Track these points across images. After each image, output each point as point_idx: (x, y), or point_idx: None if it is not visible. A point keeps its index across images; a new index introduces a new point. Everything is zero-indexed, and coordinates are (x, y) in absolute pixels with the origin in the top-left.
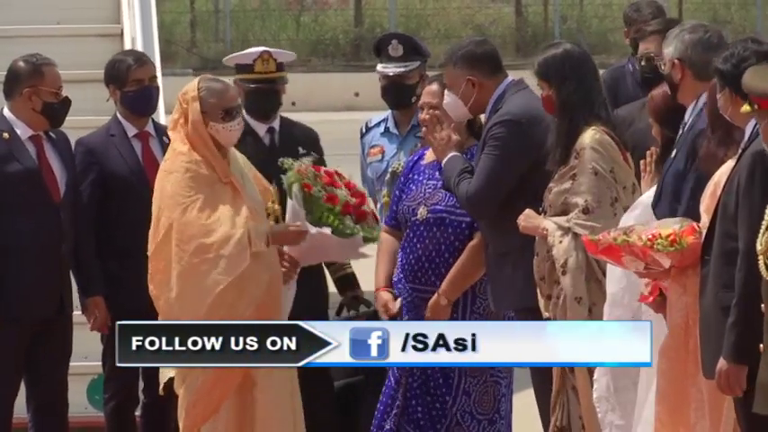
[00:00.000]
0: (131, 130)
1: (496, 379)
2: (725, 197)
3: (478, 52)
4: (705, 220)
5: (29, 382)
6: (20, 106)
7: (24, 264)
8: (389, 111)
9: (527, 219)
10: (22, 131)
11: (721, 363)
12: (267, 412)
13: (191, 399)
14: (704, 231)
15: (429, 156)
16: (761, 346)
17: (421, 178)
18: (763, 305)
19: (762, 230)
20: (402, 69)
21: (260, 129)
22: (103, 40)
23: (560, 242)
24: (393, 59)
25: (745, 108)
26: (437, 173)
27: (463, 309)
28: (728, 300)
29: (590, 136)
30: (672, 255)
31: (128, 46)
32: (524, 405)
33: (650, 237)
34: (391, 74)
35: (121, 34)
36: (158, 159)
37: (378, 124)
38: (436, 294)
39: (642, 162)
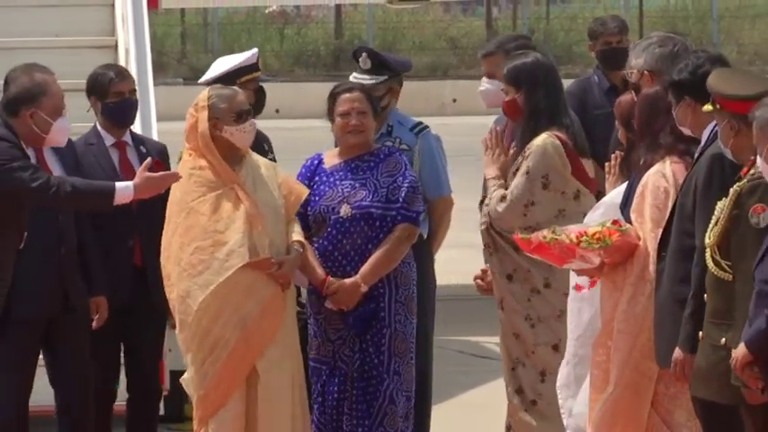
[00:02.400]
0: (109, 140)
1: (412, 358)
2: (682, 197)
3: (531, 45)
4: (634, 219)
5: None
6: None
7: (25, 265)
8: None
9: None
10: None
11: (677, 352)
12: (267, 406)
13: (200, 393)
14: (632, 230)
15: (330, 159)
16: (700, 333)
17: (332, 180)
18: (705, 295)
19: (711, 226)
20: (369, 82)
21: None
22: (99, 51)
23: (489, 197)
24: (363, 71)
25: (707, 107)
26: (350, 173)
27: (388, 298)
28: (684, 293)
29: (541, 139)
30: (598, 252)
31: (122, 57)
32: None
33: (577, 234)
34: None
35: (116, 46)
36: (135, 168)
37: None
38: (354, 278)
39: (607, 164)
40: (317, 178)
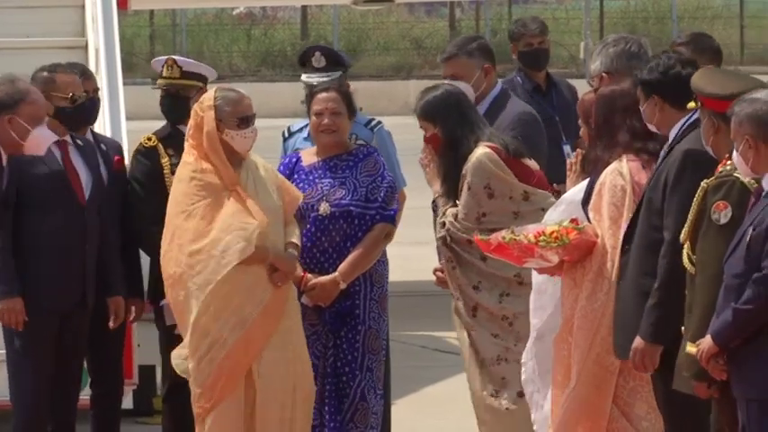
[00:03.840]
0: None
1: (384, 355)
2: (649, 192)
3: (489, 46)
4: (592, 217)
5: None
6: None
7: (51, 261)
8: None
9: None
10: None
11: (637, 341)
12: (265, 407)
13: (197, 391)
14: (589, 228)
15: (308, 158)
16: (682, 328)
17: (311, 178)
18: (687, 291)
19: (687, 221)
20: (325, 79)
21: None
22: (69, 52)
23: (441, 215)
24: (316, 70)
25: (691, 105)
26: (328, 172)
27: (364, 296)
28: (649, 286)
29: (475, 155)
30: (556, 250)
31: (92, 58)
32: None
33: (535, 234)
34: (314, 83)
35: (86, 47)
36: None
37: (300, 129)
38: (333, 275)
39: (568, 161)
40: (295, 176)
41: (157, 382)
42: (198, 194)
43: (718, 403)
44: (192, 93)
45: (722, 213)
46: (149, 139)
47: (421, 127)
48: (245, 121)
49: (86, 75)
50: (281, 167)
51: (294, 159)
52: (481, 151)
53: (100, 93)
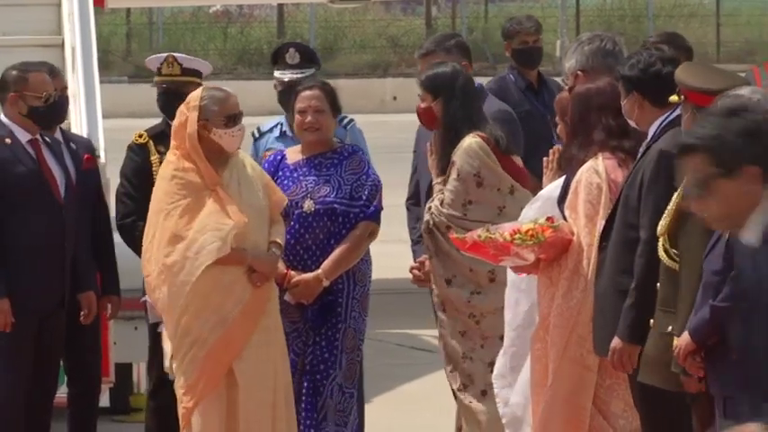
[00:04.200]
0: (25, 136)
1: (359, 355)
2: (626, 190)
3: (466, 44)
4: (568, 215)
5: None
6: (9, 111)
7: (32, 261)
8: (282, 116)
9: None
10: (21, 135)
11: (615, 341)
12: (247, 406)
13: (181, 391)
14: (565, 226)
15: (293, 156)
16: (651, 321)
17: (296, 176)
18: (658, 284)
19: (665, 215)
20: (299, 75)
21: None
22: (46, 50)
23: (428, 207)
24: (290, 66)
25: (673, 98)
26: (313, 169)
27: (347, 294)
28: (626, 284)
29: (466, 142)
30: (532, 248)
31: (68, 56)
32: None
33: (511, 232)
34: (287, 79)
35: (62, 45)
36: (68, 165)
37: (271, 129)
38: (316, 273)
39: (545, 159)
40: (280, 173)
41: (134, 380)
42: (178, 193)
43: (692, 399)
44: (190, 89)
45: None
46: (141, 136)
47: (419, 96)
48: (233, 119)
49: (54, 73)
50: (266, 165)
51: (279, 157)
52: (473, 139)
53: (71, 91)
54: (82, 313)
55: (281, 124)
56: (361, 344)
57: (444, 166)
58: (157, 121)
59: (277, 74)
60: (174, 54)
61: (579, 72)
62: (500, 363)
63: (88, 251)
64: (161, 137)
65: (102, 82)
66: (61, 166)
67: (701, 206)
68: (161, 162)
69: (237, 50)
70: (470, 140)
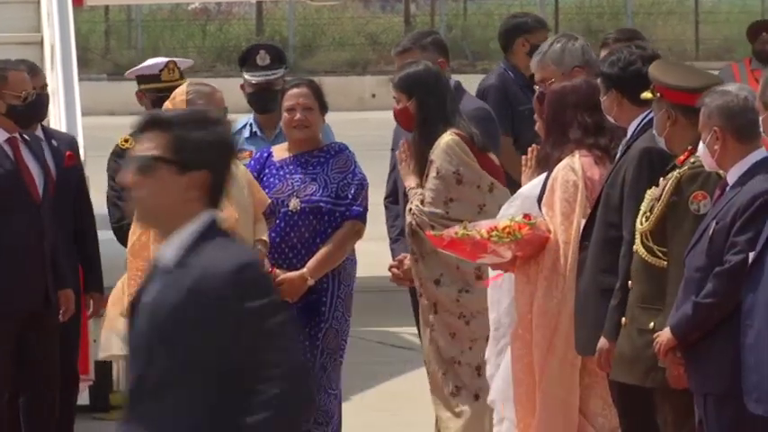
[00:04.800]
0: (3, 135)
1: (342, 356)
2: (608, 189)
3: (444, 41)
4: (545, 213)
5: (19, 375)
6: None
7: (10, 261)
8: (250, 116)
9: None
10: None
11: (602, 341)
12: None
13: None
14: (542, 223)
15: (279, 153)
16: (623, 319)
17: (282, 173)
18: (630, 281)
19: (642, 212)
20: (271, 77)
21: None
22: (25, 47)
23: (410, 203)
24: (260, 68)
25: (646, 95)
26: (300, 168)
27: (331, 294)
28: (607, 283)
29: (444, 140)
30: (509, 245)
31: (47, 53)
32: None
33: (488, 229)
34: (255, 81)
35: (41, 42)
36: (48, 162)
37: (240, 130)
38: (301, 271)
39: (524, 157)
40: (266, 171)
41: (114, 377)
42: None
43: (663, 396)
44: None
45: (701, 204)
46: (126, 140)
47: (394, 97)
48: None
49: (34, 71)
50: (252, 163)
51: (265, 155)
52: (450, 137)
53: (51, 88)
54: (61, 311)
55: (251, 125)
56: (344, 344)
57: (422, 167)
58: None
59: (247, 76)
60: (174, 60)
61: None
62: (491, 363)
63: (69, 248)
64: None
65: (81, 79)
66: (40, 165)
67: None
68: None
69: (216, 48)
70: (447, 138)
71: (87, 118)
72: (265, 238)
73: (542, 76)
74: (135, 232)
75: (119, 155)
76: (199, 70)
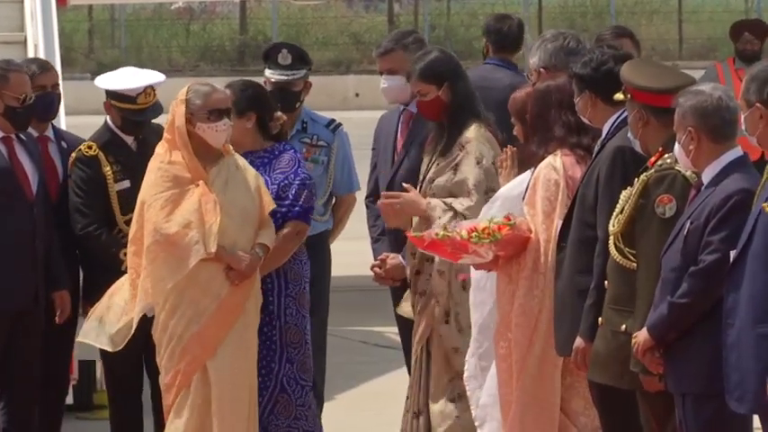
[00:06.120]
0: (32, 133)
1: (307, 348)
2: (583, 188)
3: (425, 40)
4: (527, 212)
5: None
6: None
7: (2, 259)
8: None
9: (408, 200)
10: None
11: (578, 341)
12: (221, 404)
13: (163, 387)
14: (522, 223)
15: None
16: (599, 319)
17: None
18: (606, 281)
19: (615, 214)
20: (290, 77)
21: (128, 138)
22: (8, 46)
23: (439, 217)
24: (281, 67)
25: (618, 96)
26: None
27: (278, 293)
28: (584, 283)
29: (475, 130)
30: (489, 246)
31: (31, 52)
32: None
33: (468, 230)
34: (275, 80)
35: (25, 41)
36: (57, 163)
37: None
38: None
39: (499, 158)
40: None
41: (97, 377)
42: (162, 185)
43: (642, 396)
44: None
45: (667, 207)
46: (90, 147)
47: (419, 92)
48: (216, 114)
49: (45, 68)
50: None
51: None
52: (481, 129)
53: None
54: (58, 313)
55: None
56: (307, 338)
57: (446, 151)
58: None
59: (268, 73)
60: (152, 84)
61: (542, 69)
62: (470, 364)
63: (71, 249)
64: (109, 146)
65: (64, 79)
66: (36, 165)
67: None
68: (114, 174)
69: (200, 47)
70: (480, 131)
71: (71, 117)
72: (266, 242)
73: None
74: (132, 230)
75: (83, 161)
76: (182, 69)
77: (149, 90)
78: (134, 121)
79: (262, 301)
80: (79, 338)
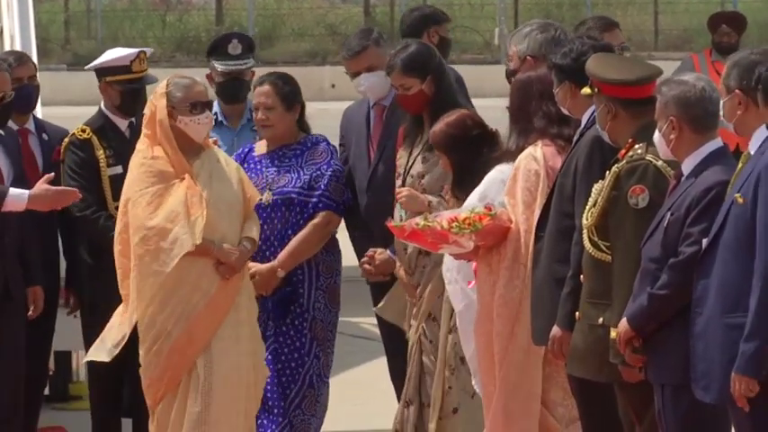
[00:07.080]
0: (12, 126)
1: (331, 346)
2: (561, 178)
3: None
4: (507, 202)
5: None
6: None
7: None
8: (215, 105)
9: (410, 197)
10: None
11: (555, 330)
12: (210, 400)
13: (146, 383)
14: (503, 213)
15: (259, 149)
16: (577, 313)
17: (259, 167)
18: (582, 275)
19: (588, 207)
20: (242, 66)
21: (121, 124)
22: None
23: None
24: (232, 57)
25: (585, 90)
26: (276, 161)
27: (308, 285)
28: (561, 272)
29: None
30: (469, 236)
31: (7, 43)
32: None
33: (449, 220)
34: (226, 70)
35: (1, 32)
36: (36, 156)
37: None
38: (271, 264)
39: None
40: (245, 165)
41: (74, 367)
42: (146, 181)
43: (621, 388)
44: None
45: (640, 197)
46: (83, 130)
47: (401, 86)
48: (197, 106)
49: (22, 60)
50: (234, 158)
51: (246, 150)
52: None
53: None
54: (31, 308)
55: (216, 114)
56: (332, 336)
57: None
58: (95, 109)
59: (216, 64)
60: (144, 49)
61: (529, 57)
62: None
63: (51, 244)
64: (103, 131)
65: (40, 70)
66: (12, 159)
67: None
68: (107, 159)
69: (176, 38)
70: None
71: (47, 108)
72: (253, 235)
73: (509, 54)
74: (117, 229)
75: (77, 145)
76: (159, 60)
77: (142, 56)
78: (133, 92)
79: (255, 294)
80: (88, 358)
